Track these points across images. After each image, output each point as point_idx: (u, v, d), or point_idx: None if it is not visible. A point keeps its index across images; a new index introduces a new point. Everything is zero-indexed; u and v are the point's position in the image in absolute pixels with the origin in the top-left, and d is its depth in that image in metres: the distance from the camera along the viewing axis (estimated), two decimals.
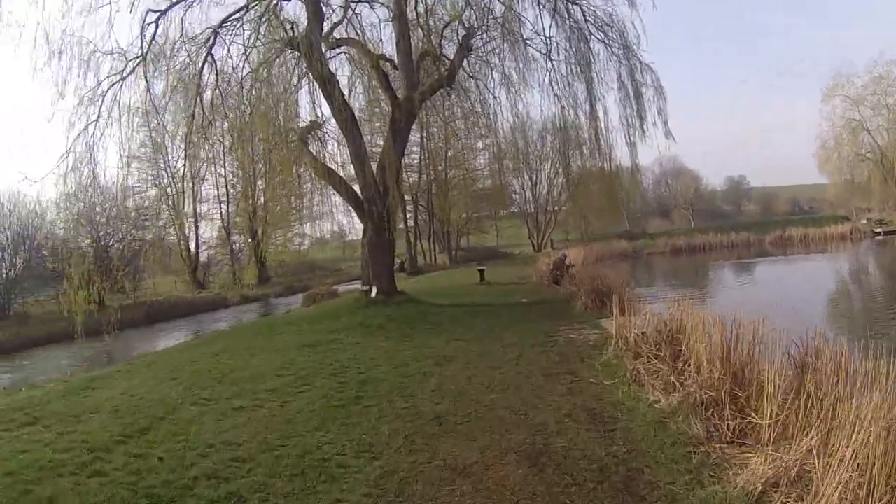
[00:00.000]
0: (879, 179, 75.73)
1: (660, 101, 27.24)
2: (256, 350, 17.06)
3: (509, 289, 33.57)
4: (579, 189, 79.77)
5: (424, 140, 64.28)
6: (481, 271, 39.25)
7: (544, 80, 27.09)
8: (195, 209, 72.90)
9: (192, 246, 74.27)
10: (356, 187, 26.07)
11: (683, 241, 75.00)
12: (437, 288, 35.53)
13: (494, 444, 8.66)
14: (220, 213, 76.15)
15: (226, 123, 25.54)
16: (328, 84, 23.89)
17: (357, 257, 74.93)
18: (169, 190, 70.93)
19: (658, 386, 10.64)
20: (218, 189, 74.58)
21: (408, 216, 72.56)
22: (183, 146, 25.80)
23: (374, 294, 25.38)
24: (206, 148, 27.14)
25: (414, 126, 65.81)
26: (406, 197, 72.36)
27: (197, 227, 75.18)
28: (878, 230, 68.98)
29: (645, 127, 26.89)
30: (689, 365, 10.62)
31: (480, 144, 41.37)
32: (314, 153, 26.33)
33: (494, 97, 27.65)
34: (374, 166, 26.50)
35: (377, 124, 32.30)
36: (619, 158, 28.23)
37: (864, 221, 74.93)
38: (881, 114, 75.83)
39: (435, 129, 36.28)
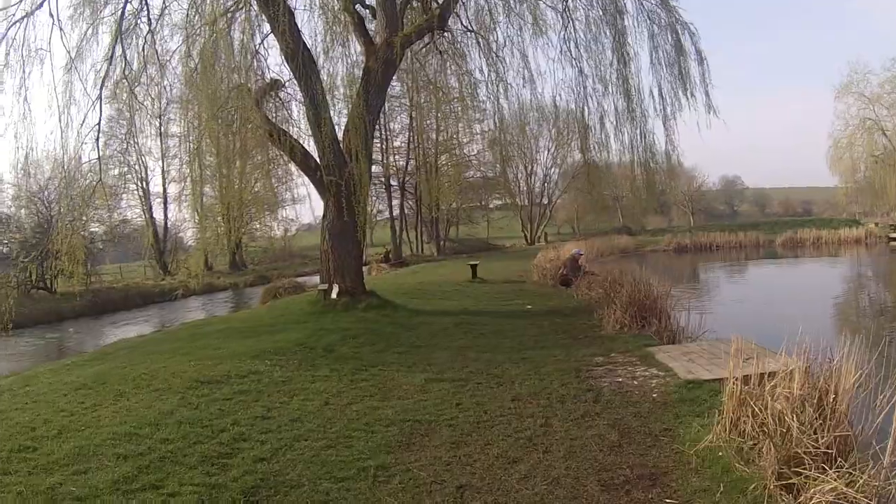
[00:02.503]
0: (895, 183, 71.29)
1: (701, 67, 21.36)
2: (133, 385, 11.03)
3: (507, 289, 27.65)
4: (579, 179, 79.89)
5: (413, 120, 58.71)
6: (473, 266, 32.86)
7: (558, 41, 21.49)
8: (164, 189, 68.31)
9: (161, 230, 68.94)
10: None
11: (689, 239, 70.78)
12: (421, 285, 29.21)
13: None
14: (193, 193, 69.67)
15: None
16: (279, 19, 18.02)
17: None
18: (136, 167, 67.01)
19: None
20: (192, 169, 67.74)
21: (393, 203, 69.35)
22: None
23: (334, 294, 19.36)
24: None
25: (401, 105, 63.30)
26: (392, 183, 68.55)
27: (166, 209, 70.19)
28: (894, 236, 64.57)
29: (686, 96, 21.03)
30: None
31: (477, 129, 35.44)
32: (272, 118, 20.88)
33: (498, 57, 21.57)
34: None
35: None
36: (654, 135, 22.19)
37: (874, 225, 71.20)
38: None
39: (424, 103, 29.78)
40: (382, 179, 68.86)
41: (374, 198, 72.30)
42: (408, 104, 56.08)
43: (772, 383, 7.98)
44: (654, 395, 9.93)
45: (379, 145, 66.33)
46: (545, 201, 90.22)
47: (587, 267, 28.06)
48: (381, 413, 9.20)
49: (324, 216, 20.19)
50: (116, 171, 56.73)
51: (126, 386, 10.99)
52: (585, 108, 21.62)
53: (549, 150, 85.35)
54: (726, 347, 12.67)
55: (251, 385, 10.75)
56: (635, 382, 10.73)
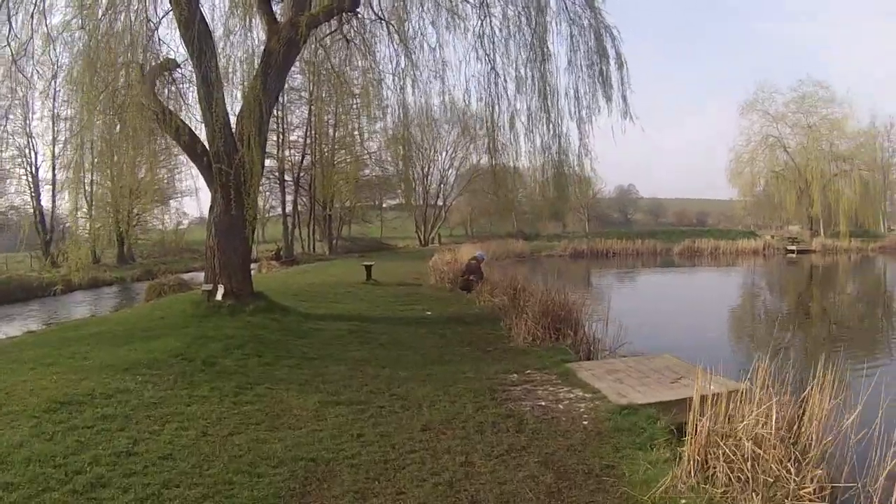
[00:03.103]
0: (794, 198, 76.04)
1: (621, 72, 20.23)
2: None
3: (404, 292, 26.09)
4: (476, 181, 79.66)
5: (312, 114, 56.89)
6: (368, 267, 31.16)
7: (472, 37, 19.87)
8: (53, 175, 64.55)
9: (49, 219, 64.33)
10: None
11: (586, 245, 71.66)
12: (312, 286, 27.41)
13: None
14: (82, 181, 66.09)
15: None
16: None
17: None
18: (26, 151, 63.26)
19: None
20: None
21: (287, 199, 67.76)
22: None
23: (219, 296, 17.48)
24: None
25: (301, 98, 61.33)
26: (287, 178, 66.52)
27: (54, 197, 66.34)
28: (792, 248, 68.04)
29: (605, 99, 19.87)
30: None
31: (378, 126, 33.75)
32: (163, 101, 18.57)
33: (408, 48, 20.00)
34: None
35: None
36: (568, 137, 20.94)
37: (769, 237, 74.21)
38: (799, 132, 76.86)
39: (325, 96, 28.01)
40: (277, 174, 67.04)
41: (267, 192, 70.54)
42: (307, 97, 54.34)
43: (742, 421, 6.78)
44: (585, 423, 8.72)
45: (275, 139, 64.67)
46: (440, 202, 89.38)
47: (486, 271, 26.85)
48: (268, 448, 7.57)
49: (210, 208, 18.32)
50: (6, 154, 53.93)
51: None
52: (496, 106, 20.28)
53: (447, 151, 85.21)
54: (653, 364, 11.86)
55: (117, 408, 8.89)
56: (560, 406, 9.46)
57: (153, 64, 18.60)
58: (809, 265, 55.54)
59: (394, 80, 20.38)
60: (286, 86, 60.56)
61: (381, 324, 17.82)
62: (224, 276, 17.73)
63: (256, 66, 17.87)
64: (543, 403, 9.63)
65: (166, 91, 19.90)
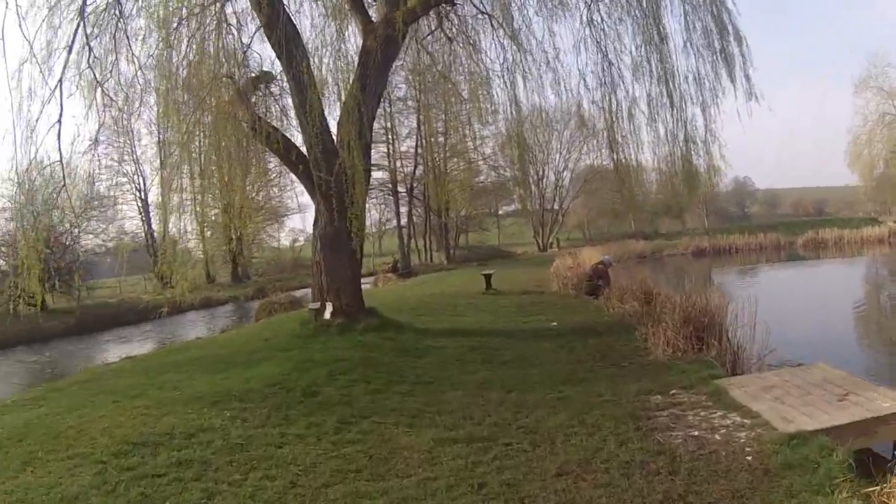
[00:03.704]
0: None
1: (741, 48, 18.46)
2: (50, 448, 8.15)
3: (526, 301, 24.64)
4: (591, 182, 78.01)
5: (421, 123, 55.93)
6: (487, 276, 29.77)
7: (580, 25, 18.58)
8: (164, 198, 65.35)
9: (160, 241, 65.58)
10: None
11: (707, 242, 68.89)
12: (430, 298, 26.19)
13: None
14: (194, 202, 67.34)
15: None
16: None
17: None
18: (135, 178, 64.53)
19: None
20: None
21: (401, 210, 67.55)
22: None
23: (327, 315, 16.49)
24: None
25: (408, 107, 60.56)
26: (400, 189, 65.96)
27: (165, 220, 67.21)
28: None
29: (729, 79, 18.11)
30: None
31: (489, 130, 32.49)
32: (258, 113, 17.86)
33: (515, 40, 18.67)
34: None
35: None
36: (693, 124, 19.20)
37: (893, 223, 69.32)
38: None
39: (433, 102, 26.88)
40: (389, 185, 66.68)
41: (381, 205, 70.28)
42: (415, 106, 53.65)
43: None
44: (749, 458, 7.20)
45: (385, 150, 64.22)
46: (556, 206, 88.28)
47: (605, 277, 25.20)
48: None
49: (315, 222, 17.38)
50: (113, 181, 54.86)
51: (42, 447, 8.20)
52: (613, 96, 18.77)
53: (561, 153, 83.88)
54: (810, 377, 10.25)
55: (197, 451, 7.77)
56: (717, 437, 7.94)
57: (248, 78, 17.91)
58: None
59: (502, 76, 19.25)
60: (392, 95, 60.26)
61: (504, 338, 16.51)
62: (332, 293, 16.74)
63: (355, 69, 16.90)
64: (697, 433, 8.12)
65: (266, 105, 19.39)
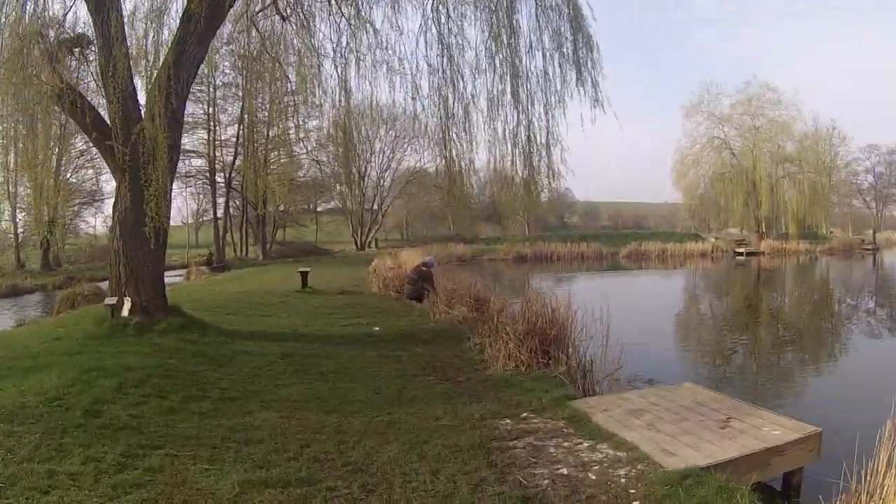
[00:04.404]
0: (741, 200, 75.38)
1: (592, 54, 17.48)
2: None
3: (344, 303, 22.99)
4: (413, 184, 77.71)
5: (245, 114, 53.68)
6: (304, 274, 28.00)
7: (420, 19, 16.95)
8: None
9: None
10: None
11: (529, 248, 69.51)
12: (242, 295, 24.14)
13: None
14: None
15: None
16: None
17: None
18: None
19: None
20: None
21: (218, 201, 65.55)
22: None
23: (125, 311, 14.24)
24: None
25: (235, 95, 57.95)
26: (218, 179, 63.68)
27: None
28: (741, 251, 67.68)
29: (578, 83, 17.05)
30: None
31: (314, 124, 30.69)
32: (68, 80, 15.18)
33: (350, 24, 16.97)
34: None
35: None
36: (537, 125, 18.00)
37: (714, 240, 74.42)
38: (746, 134, 76.71)
39: (259, 92, 24.90)
40: (208, 174, 63.87)
41: (199, 194, 67.83)
42: (239, 94, 51.49)
43: None
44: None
45: (206, 137, 61.86)
46: (375, 206, 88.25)
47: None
48: None
49: (114, 204, 15.08)
50: None
51: None
52: (451, 91, 17.40)
53: (384, 152, 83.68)
54: (679, 398, 9.59)
55: None
56: (591, 476, 6.58)
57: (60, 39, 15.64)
58: (758, 266, 55.49)
59: (334, 61, 17.50)
60: (217, 81, 57.59)
61: (321, 344, 14.67)
62: (131, 287, 14.43)
63: (174, 33, 14.88)
64: (566, 471, 6.69)
65: (79, 73, 17.38)
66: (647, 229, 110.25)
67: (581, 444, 7.60)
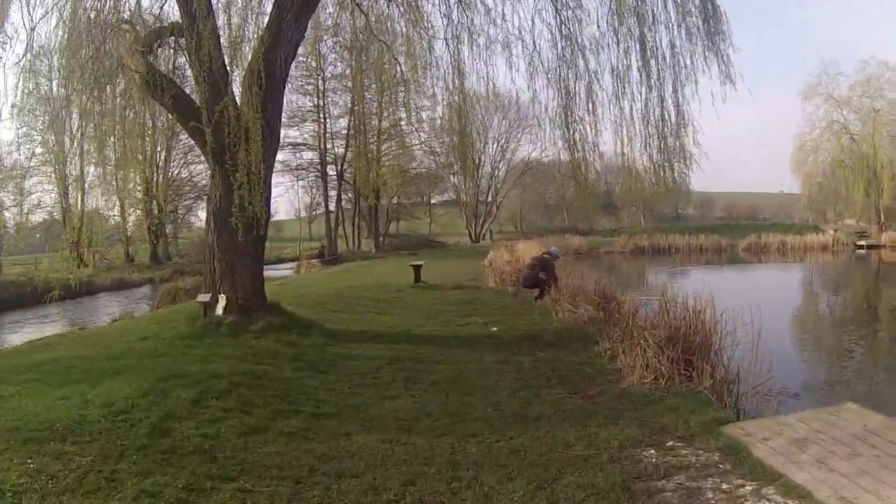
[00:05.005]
0: (862, 189, 69.84)
1: (720, 25, 15.76)
2: None
3: (460, 298, 21.88)
4: (528, 175, 76.41)
5: (355, 105, 53.11)
6: (417, 268, 27.08)
7: None
8: (82, 172, 61.11)
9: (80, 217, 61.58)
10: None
11: (646, 240, 67.63)
12: (351, 290, 23.12)
13: None
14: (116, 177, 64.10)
15: None
16: None
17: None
18: (53, 147, 60.16)
19: None
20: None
21: (330, 194, 65.33)
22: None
23: (219, 310, 13.32)
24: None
25: (345, 87, 57.50)
26: (330, 172, 63.52)
27: (83, 195, 63.13)
28: (861, 243, 63.03)
29: (715, 57, 15.43)
30: None
31: (424, 115, 29.71)
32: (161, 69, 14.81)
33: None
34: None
35: None
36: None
37: (833, 232, 69.68)
38: (867, 118, 70.18)
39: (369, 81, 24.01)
40: (319, 167, 63.80)
41: (312, 187, 68.02)
42: (349, 85, 51.16)
43: None
44: None
45: (316, 129, 61.64)
46: (490, 198, 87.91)
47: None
48: None
49: (209, 196, 14.15)
50: (39, 150, 50.89)
51: None
52: (570, 70, 15.92)
53: (498, 142, 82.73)
54: (845, 424, 7.82)
55: None
56: None
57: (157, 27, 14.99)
58: (879, 260, 51.71)
59: (446, 39, 16.38)
60: (326, 73, 57.29)
61: (434, 347, 13.39)
62: (226, 283, 13.51)
63: (269, 16, 13.85)
64: None
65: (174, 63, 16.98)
66: (763, 220, 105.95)
67: (744, 486, 6.12)
